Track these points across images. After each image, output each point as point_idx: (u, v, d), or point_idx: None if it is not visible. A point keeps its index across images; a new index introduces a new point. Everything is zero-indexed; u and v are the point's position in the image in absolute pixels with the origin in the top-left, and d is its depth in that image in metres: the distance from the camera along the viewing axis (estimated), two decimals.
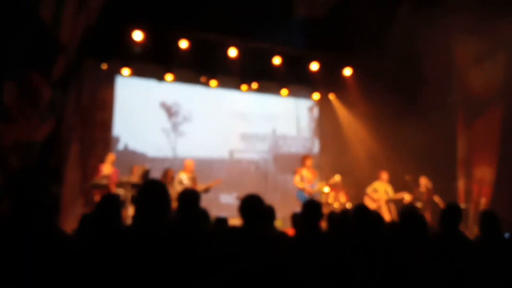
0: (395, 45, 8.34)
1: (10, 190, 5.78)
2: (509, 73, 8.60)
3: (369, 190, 9.29)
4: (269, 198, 9.37)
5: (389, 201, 9.22)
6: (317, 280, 3.26)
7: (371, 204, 9.00)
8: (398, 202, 9.18)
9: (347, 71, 10.43)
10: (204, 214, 3.88)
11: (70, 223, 6.77)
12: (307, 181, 8.61)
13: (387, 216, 8.81)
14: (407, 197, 9.03)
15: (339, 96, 11.41)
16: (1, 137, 6.32)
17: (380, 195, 9.19)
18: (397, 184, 9.31)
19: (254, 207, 3.43)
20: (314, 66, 10.13)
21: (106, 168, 8.28)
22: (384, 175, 9.27)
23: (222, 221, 4.84)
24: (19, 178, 6.17)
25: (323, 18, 8.98)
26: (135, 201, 2.61)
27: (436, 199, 8.98)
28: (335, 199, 9.31)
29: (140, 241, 2.40)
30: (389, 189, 9.25)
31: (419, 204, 8.86)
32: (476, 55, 8.95)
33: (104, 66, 9.14)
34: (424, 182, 9.18)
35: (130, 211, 7.45)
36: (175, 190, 7.85)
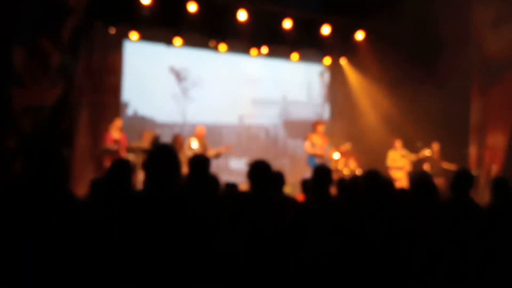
0: (410, 8, 8.14)
1: (22, 152, 5.86)
2: None
3: (388, 162, 9.28)
4: (279, 164, 9.48)
5: (413, 164, 9.21)
6: (325, 244, 3.27)
7: (398, 174, 9.03)
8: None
9: (360, 35, 10.21)
10: (214, 180, 3.90)
11: (81, 187, 6.85)
12: (318, 147, 8.59)
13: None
14: (428, 152, 9.02)
15: (351, 61, 11.22)
16: (12, 101, 6.38)
17: (401, 162, 9.19)
18: (409, 150, 9.30)
19: (262, 173, 3.43)
20: (326, 29, 9.92)
21: (115, 134, 8.30)
22: (398, 143, 9.27)
23: (232, 187, 4.87)
24: (31, 141, 6.24)
25: None
26: (145, 166, 2.58)
27: (445, 165, 8.98)
28: (345, 165, 9.31)
29: (151, 206, 2.41)
30: (406, 153, 9.24)
31: (432, 170, 8.88)
32: (494, 19, 8.73)
33: (112, 31, 9.04)
34: (436, 148, 9.17)
35: (140, 176, 7.50)
36: (185, 155, 7.88)
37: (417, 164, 9.23)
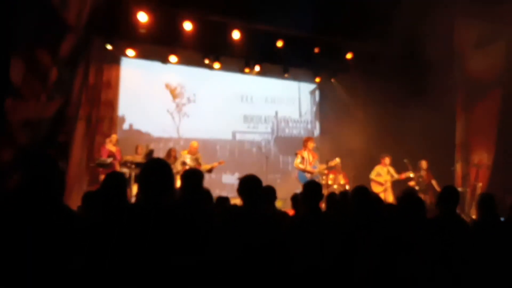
0: (397, 30, 8.34)
1: (20, 165, 5.90)
2: (509, 59, 8.62)
3: (372, 175, 9.38)
4: (270, 179, 9.58)
5: (394, 183, 9.34)
6: (315, 258, 3.33)
7: (377, 188, 9.14)
8: (399, 185, 9.30)
9: (349, 55, 10.45)
10: (207, 193, 3.96)
11: (74, 200, 6.90)
12: (308, 163, 8.71)
13: (392, 199, 8.94)
14: (411, 175, 9.16)
15: (341, 80, 11.46)
16: (9, 114, 6.40)
17: (385, 178, 9.32)
18: (397, 167, 9.41)
19: (253, 187, 3.45)
20: (317, 49, 10.16)
21: (110, 147, 8.42)
22: (387, 160, 9.39)
23: (224, 200, 4.90)
24: (29, 153, 6.28)
25: (327, 2, 8.98)
26: (138, 179, 2.62)
27: (434, 182, 9.10)
28: (334, 181, 9.43)
29: (144, 218, 2.42)
30: (392, 171, 9.37)
31: (419, 187, 9.01)
32: (477, 40, 8.93)
33: (110, 47, 9.19)
34: (424, 165, 9.29)
35: (134, 190, 7.59)
36: (176, 169, 7.99)
37: (399, 183, 9.33)
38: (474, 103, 9.29)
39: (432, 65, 8.62)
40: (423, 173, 9.27)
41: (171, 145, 9.77)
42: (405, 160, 9.25)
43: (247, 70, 10.59)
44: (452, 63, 9.18)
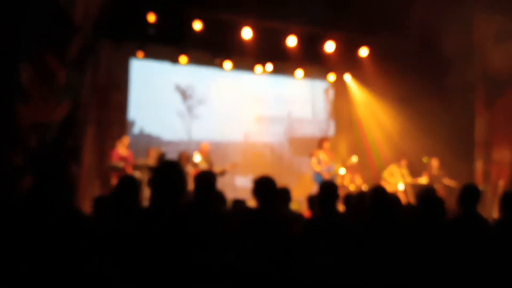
0: (414, 25, 8.18)
1: (30, 169, 5.87)
2: None
3: (385, 174, 9.28)
4: (285, 181, 9.42)
5: (406, 185, 9.19)
6: (332, 260, 3.25)
7: (387, 188, 8.98)
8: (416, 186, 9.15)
9: (364, 51, 10.26)
10: (220, 196, 3.89)
11: (87, 204, 6.84)
12: (324, 163, 8.57)
13: (402, 200, 8.78)
14: (423, 181, 9.00)
15: (356, 77, 11.27)
16: (19, 118, 6.37)
17: (397, 179, 9.17)
18: (415, 166, 9.27)
19: (267, 188, 3.45)
20: (330, 46, 9.98)
21: (122, 151, 8.33)
22: (403, 162, 9.26)
23: (240, 203, 4.87)
24: (39, 157, 6.25)
25: None
26: (151, 182, 2.60)
27: (446, 181, 8.94)
28: (351, 181, 9.30)
29: (157, 221, 2.42)
30: (406, 173, 9.22)
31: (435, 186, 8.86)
32: (497, 34, 8.78)
33: (119, 48, 9.12)
34: (435, 164, 9.15)
35: (146, 193, 7.50)
36: (188, 171, 7.89)
37: (412, 187, 9.20)
38: (495, 99, 9.10)
39: (451, 61, 8.47)
40: (434, 171, 9.11)
41: (181, 148, 9.68)
42: (424, 159, 9.11)
43: (258, 69, 10.46)
44: (471, 58, 9.01)
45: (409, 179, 9.18)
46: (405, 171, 9.25)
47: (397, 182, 9.14)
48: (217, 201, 3.83)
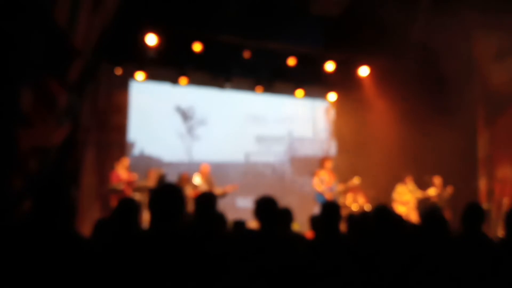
0: (413, 43, 8.22)
1: (31, 193, 5.84)
2: None
3: (395, 195, 9.19)
4: (286, 201, 9.37)
5: (419, 201, 9.10)
6: (336, 282, 3.19)
7: (401, 209, 8.92)
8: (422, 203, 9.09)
9: (364, 71, 10.29)
10: (221, 217, 3.84)
11: (86, 227, 6.77)
12: (326, 183, 8.53)
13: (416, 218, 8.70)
14: (432, 192, 8.93)
15: (356, 97, 11.27)
16: (19, 142, 6.36)
17: (408, 198, 9.09)
18: (417, 185, 9.21)
19: (269, 209, 3.42)
20: (330, 66, 10.02)
21: (122, 173, 8.29)
22: (408, 179, 9.21)
23: (240, 224, 4.81)
24: (39, 181, 6.22)
25: (338, 17, 8.90)
26: (150, 204, 2.58)
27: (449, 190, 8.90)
28: (353, 201, 9.23)
29: (157, 244, 2.41)
30: (413, 188, 9.16)
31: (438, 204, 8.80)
32: (497, 52, 8.82)
33: (119, 71, 9.15)
34: (438, 181, 9.09)
35: (146, 215, 7.44)
36: (188, 193, 7.83)
37: (422, 201, 9.13)
38: (496, 116, 9.13)
39: (451, 79, 8.48)
40: (438, 189, 9.05)
41: (182, 169, 9.63)
42: (426, 178, 9.06)
43: (258, 89, 10.48)
44: (471, 76, 9.02)
45: (419, 193, 9.12)
46: (412, 187, 9.19)
47: (409, 200, 9.06)
48: (217, 222, 3.79)
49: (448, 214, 8.48)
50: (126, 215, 3.40)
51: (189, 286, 2.33)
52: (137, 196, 7.92)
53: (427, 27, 7.97)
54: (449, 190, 8.95)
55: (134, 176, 8.39)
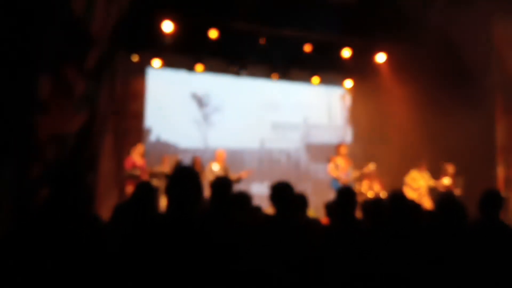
0: (431, 29, 8.10)
1: (48, 180, 5.93)
2: None
3: (407, 179, 9.13)
4: (301, 188, 9.40)
5: (430, 189, 9.04)
6: (352, 268, 3.20)
7: (411, 194, 8.87)
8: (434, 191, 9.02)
9: (380, 57, 10.18)
10: (238, 201, 3.86)
11: (105, 213, 6.87)
12: (341, 169, 8.51)
13: (428, 205, 8.64)
14: (446, 181, 8.85)
15: (372, 83, 11.17)
16: (37, 130, 6.45)
17: (420, 184, 9.03)
18: (433, 172, 9.13)
19: (285, 194, 3.42)
20: (346, 52, 9.94)
21: (136, 159, 8.36)
22: (423, 165, 9.13)
23: (256, 210, 4.83)
24: (57, 167, 6.31)
25: (355, 3, 8.79)
26: (167, 189, 2.59)
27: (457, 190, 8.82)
28: (369, 188, 9.20)
29: (174, 229, 2.42)
30: (427, 176, 9.09)
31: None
32: None
33: (135, 58, 9.21)
34: (451, 170, 9.02)
35: (163, 201, 7.51)
36: (206, 179, 7.88)
37: (434, 189, 9.07)
38: None
39: (469, 66, 8.34)
40: (449, 179, 8.97)
41: (198, 155, 9.67)
42: (443, 166, 8.99)
43: (274, 76, 10.45)
44: (490, 63, 8.85)
45: (432, 182, 9.06)
46: (426, 175, 9.13)
47: (421, 187, 9.00)
48: (233, 207, 3.81)
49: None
50: (144, 199, 3.44)
51: (204, 271, 2.34)
52: (155, 182, 7.98)
53: (445, 13, 7.83)
54: (461, 181, 8.87)
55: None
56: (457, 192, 8.83)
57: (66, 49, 6.72)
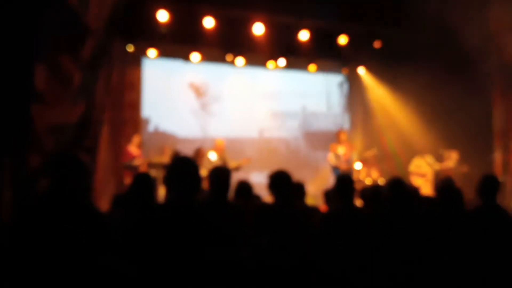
0: (428, 15, 8.05)
1: (47, 170, 5.92)
2: None
3: (412, 167, 9.15)
4: (301, 176, 9.41)
5: (436, 174, 9.06)
6: (350, 255, 3.23)
7: (418, 181, 8.89)
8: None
9: (378, 44, 10.15)
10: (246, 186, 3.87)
11: (102, 203, 6.88)
12: (343, 156, 8.54)
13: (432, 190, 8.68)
14: (451, 163, 8.87)
15: (370, 70, 11.15)
16: (35, 120, 6.42)
17: (425, 169, 9.05)
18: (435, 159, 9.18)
19: (283, 183, 3.45)
20: (343, 39, 9.90)
21: (133, 150, 8.36)
22: (424, 150, 9.15)
23: (255, 198, 4.83)
24: (56, 158, 6.29)
25: None
26: (166, 179, 2.60)
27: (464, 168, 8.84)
28: (367, 175, 9.22)
29: (173, 218, 2.44)
30: (431, 161, 9.10)
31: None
32: None
33: (131, 48, 9.15)
34: (454, 156, 9.03)
35: (161, 191, 7.53)
36: (204, 168, 7.88)
37: (439, 173, 9.08)
38: None
39: (467, 51, 8.31)
40: (451, 164, 8.98)
41: (197, 145, 9.68)
42: (440, 152, 9.01)
43: (271, 64, 10.41)
44: (488, 48, 8.81)
45: (437, 166, 9.07)
46: (430, 159, 9.14)
47: (427, 172, 9.01)
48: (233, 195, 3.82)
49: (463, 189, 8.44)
50: (143, 190, 3.45)
51: (203, 259, 2.37)
52: (153, 173, 7.99)
53: None
54: (465, 168, 8.88)
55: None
56: (464, 169, 8.84)
57: (62, 39, 6.68)
